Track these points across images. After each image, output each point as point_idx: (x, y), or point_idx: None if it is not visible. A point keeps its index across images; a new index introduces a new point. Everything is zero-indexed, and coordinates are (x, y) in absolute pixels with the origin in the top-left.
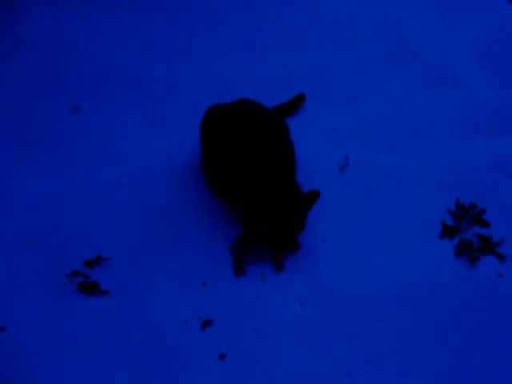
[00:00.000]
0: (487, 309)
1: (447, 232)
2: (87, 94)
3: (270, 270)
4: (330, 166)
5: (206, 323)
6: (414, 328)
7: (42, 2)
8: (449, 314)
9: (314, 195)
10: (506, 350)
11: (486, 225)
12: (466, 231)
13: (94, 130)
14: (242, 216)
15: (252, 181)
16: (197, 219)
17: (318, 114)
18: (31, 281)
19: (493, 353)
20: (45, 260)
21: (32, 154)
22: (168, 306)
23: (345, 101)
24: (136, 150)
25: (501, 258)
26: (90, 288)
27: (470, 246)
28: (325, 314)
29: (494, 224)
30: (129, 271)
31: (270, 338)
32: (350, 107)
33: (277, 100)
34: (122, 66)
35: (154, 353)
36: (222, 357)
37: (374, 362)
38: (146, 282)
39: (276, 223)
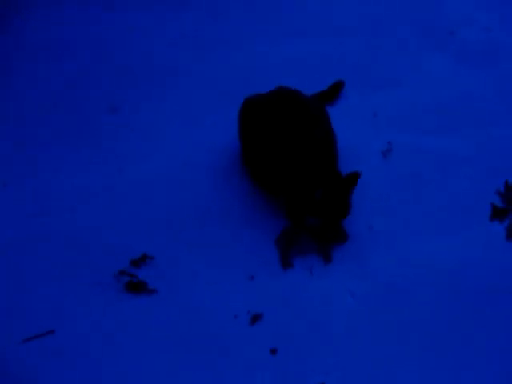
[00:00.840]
0: None
1: (497, 214)
2: (124, 91)
3: (318, 262)
4: (373, 152)
5: (256, 317)
6: (469, 316)
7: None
8: (504, 300)
9: (354, 177)
10: None
11: None
12: None
13: (133, 126)
14: (285, 208)
15: (293, 170)
16: (240, 213)
17: (357, 100)
18: (79, 282)
19: None
20: (91, 260)
21: (74, 152)
22: (216, 301)
23: (383, 85)
24: (175, 144)
25: None
26: (137, 287)
27: None
28: (376, 303)
29: None
30: (175, 269)
31: (321, 330)
32: (389, 91)
33: (315, 87)
34: (158, 60)
35: (206, 349)
36: (273, 351)
37: (427, 351)
38: (192, 279)
39: (319, 212)
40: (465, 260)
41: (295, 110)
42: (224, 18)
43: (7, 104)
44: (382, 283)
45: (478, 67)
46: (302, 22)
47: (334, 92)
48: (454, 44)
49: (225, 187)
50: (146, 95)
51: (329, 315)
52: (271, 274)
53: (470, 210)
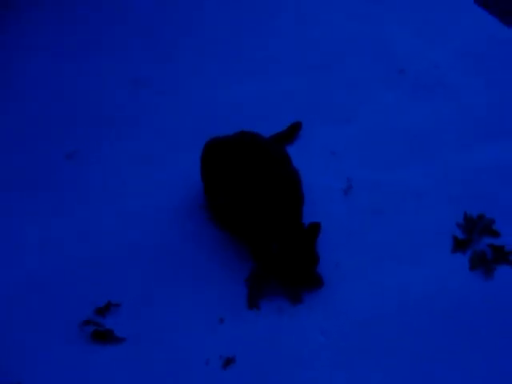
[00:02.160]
0: (510, 319)
1: (459, 245)
2: (81, 138)
3: (288, 303)
4: (334, 190)
5: (228, 362)
6: (438, 344)
7: (28, 46)
8: (469, 328)
9: (315, 228)
10: None
11: (496, 234)
12: (478, 243)
13: (92, 173)
14: (250, 250)
15: (255, 214)
16: (207, 254)
17: (314, 139)
18: (43, 332)
19: None
20: (55, 308)
21: (33, 198)
22: (186, 346)
23: (339, 121)
24: (136, 188)
25: None
26: (104, 336)
27: (484, 258)
28: (349, 340)
29: (505, 233)
30: (142, 314)
31: (296, 372)
32: (345, 127)
33: (274, 126)
34: (115, 107)
35: None
36: None
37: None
38: (160, 324)
39: (279, 264)
40: (431, 290)
41: (257, 153)
42: (177, 65)
43: None
44: (353, 319)
45: (428, 100)
46: (261, 61)
47: (292, 133)
48: (405, 79)
49: (190, 228)
50: (104, 139)
51: (301, 355)
52: (241, 316)
53: (433, 242)
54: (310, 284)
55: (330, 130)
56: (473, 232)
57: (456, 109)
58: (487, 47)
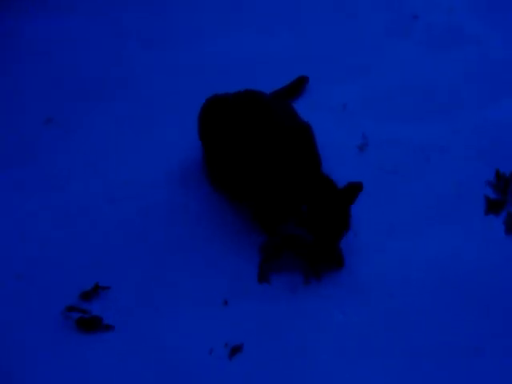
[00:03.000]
0: None
1: (492, 207)
2: (63, 103)
3: (301, 278)
4: (348, 147)
5: (235, 350)
6: (469, 320)
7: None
8: (504, 301)
9: (356, 189)
10: None
11: None
12: None
13: (77, 140)
14: (256, 218)
15: (268, 175)
16: (208, 227)
17: (323, 94)
18: (21, 319)
19: None
20: (34, 293)
21: (9, 172)
22: (186, 334)
23: (350, 75)
24: (127, 156)
25: None
26: (90, 324)
27: None
28: (371, 319)
29: None
30: (134, 299)
31: (312, 357)
32: (356, 81)
33: (277, 85)
34: (103, 68)
35: None
36: None
37: (432, 361)
38: (156, 309)
39: (307, 226)
40: (461, 259)
41: (262, 108)
42: (172, 16)
43: None
44: (375, 294)
45: (445, 50)
46: (262, 18)
47: (298, 87)
48: (419, 28)
49: (188, 200)
50: (89, 106)
51: (318, 338)
52: (248, 296)
53: (462, 203)
54: (331, 260)
55: (339, 84)
56: (507, 192)
57: (476, 59)
58: None
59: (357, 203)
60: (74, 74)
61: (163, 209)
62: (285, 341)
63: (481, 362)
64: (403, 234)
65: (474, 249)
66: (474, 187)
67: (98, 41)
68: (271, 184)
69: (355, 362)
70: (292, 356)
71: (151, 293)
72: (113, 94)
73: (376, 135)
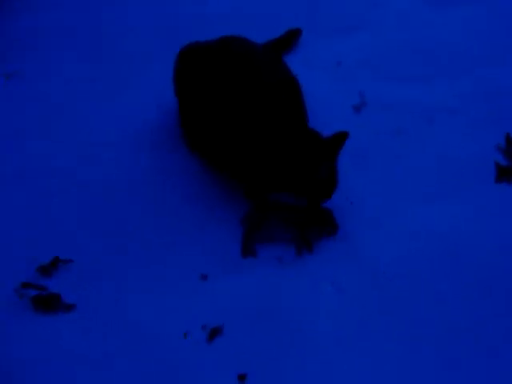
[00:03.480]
0: None
1: (503, 174)
2: (23, 56)
3: (290, 251)
4: (344, 107)
5: (214, 332)
6: (480, 300)
7: None
8: None
9: (341, 137)
10: None
11: None
12: None
13: (36, 97)
14: (242, 185)
15: (251, 129)
16: (184, 195)
17: (316, 49)
18: None
19: None
20: None
21: None
22: (158, 314)
23: (344, 30)
24: (95, 117)
25: None
26: (48, 303)
27: None
28: (368, 296)
29: None
30: (98, 274)
31: (303, 340)
32: (351, 36)
33: (267, 38)
34: (65, 20)
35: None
36: (241, 377)
37: (434, 349)
38: (123, 286)
39: (300, 189)
40: (470, 231)
41: (246, 58)
42: None
43: None
44: (371, 269)
45: (446, 6)
46: None
47: (290, 40)
48: None
49: (161, 164)
50: (49, 61)
51: (308, 318)
52: (230, 270)
53: (470, 170)
54: (321, 226)
55: (334, 38)
56: None
57: (485, 17)
58: None
59: (352, 169)
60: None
61: (132, 174)
62: (272, 322)
63: (481, 344)
64: (404, 205)
65: (484, 222)
66: (483, 153)
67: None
68: (255, 145)
69: (350, 345)
70: (280, 339)
71: (117, 267)
72: (82, 50)
73: (374, 95)
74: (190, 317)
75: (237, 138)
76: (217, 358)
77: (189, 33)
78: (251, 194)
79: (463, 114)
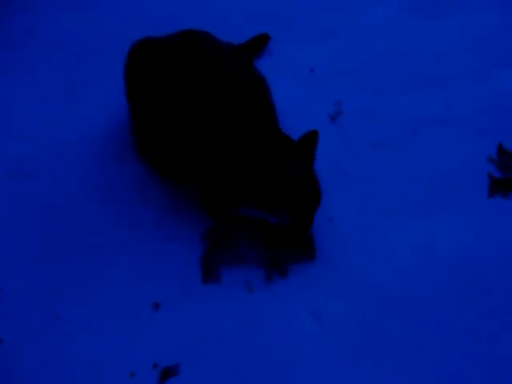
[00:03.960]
0: None
1: (497, 186)
2: None
3: (260, 275)
4: (318, 116)
5: (167, 373)
6: (478, 326)
7: None
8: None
9: (310, 137)
10: None
11: None
12: None
13: None
14: (202, 198)
15: (213, 140)
16: (134, 211)
17: (287, 56)
18: None
19: None
20: None
21: None
22: (99, 351)
23: (316, 37)
24: (33, 125)
25: None
26: None
27: None
28: (352, 328)
29: None
30: (30, 302)
31: (276, 379)
32: (325, 44)
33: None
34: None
35: None
36: None
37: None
38: (58, 316)
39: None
40: (464, 250)
41: (210, 52)
42: None
43: None
44: (357, 296)
45: (425, 17)
46: None
47: (257, 46)
48: None
49: (108, 178)
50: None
51: (282, 356)
52: (187, 298)
53: (459, 183)
54: (299, 248)
55: (305, 46)
56: None
57: (466, 28)
58: None
59: (330, 183)
60: None
61: (72, 189)
62: (237, 360)
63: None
64: (389, 222)
65: (476, 238)
66: (473, 165)
67: None
68: (218, 152)
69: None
70: (247, 382)
71: (53, 295)
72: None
73: (350, 105)
74: (137, 354)
75: (195, 142)
76: None
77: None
78: (213, 208)
79: (449, 125)
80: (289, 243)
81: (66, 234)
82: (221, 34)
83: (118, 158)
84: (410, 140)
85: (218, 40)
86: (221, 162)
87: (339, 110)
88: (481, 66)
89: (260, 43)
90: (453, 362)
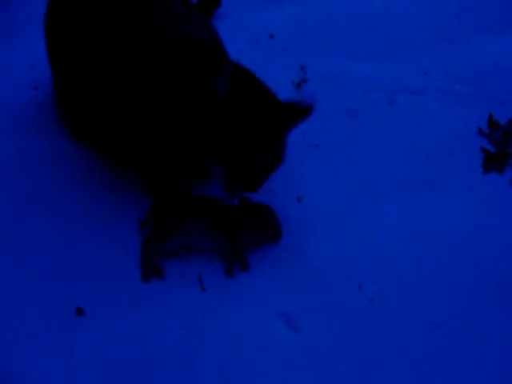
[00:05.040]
0: None
1: (491, 161)
2: None
3: (216, 268)
4: (281, 83)
5: None
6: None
7: None
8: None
9: (301, 112)
10: None
11: None
12: None
13: None
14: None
15: (151, 104)
16: (60, 193)
17: (242, 20)
18: None
19: None
20: None
21: None
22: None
23: (274, 2)
24: None
25: None
26: None
27: None
28: (333, 332)
29: None
30: None
31: None
32: (284, 7)
33: None
34: None
35: None
36: None
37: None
38: None
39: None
40: (457, 235)
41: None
42: None
43: None
44: (334, 292)
45: None
46: None
47: (209, 8)
48: None
49: (29, 153)
50: None
51: (247, 372)
52: (121, 300)
53: (447, 158)
54: (260, 229)
55: (260, 10)
56: (508, 142)
57: None
58: None
59: (298, 158)
60: None
61: None
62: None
63: None
64: (367, 202)
65: (475, 220)
66: (461, 138)
67: None
68: (158, 119)
69: None
70: None
71: None
72: None
73: (316, 70)
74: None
75: (130, 102)
76: None
77: None
78: (154, 185)
79: (429, 94)
80: (249, 226)
81: None
82: None
83: (41, 127)
84: (387, 109)
85: None
86: (163, 134)
87: (304, 76)
88: (462, 33)
89: (209, 6)
90: (457, 365)
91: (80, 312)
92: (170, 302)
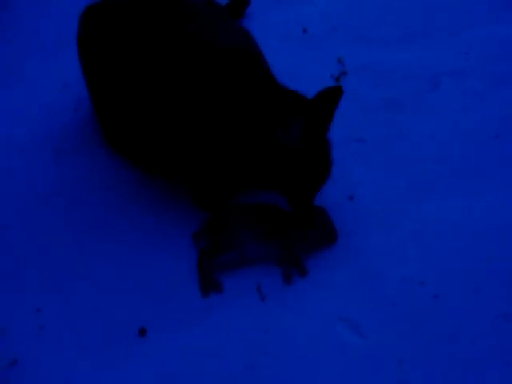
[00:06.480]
0: None
1: None
2: None
3: (274, 277)
4: (319, 79)
5: None
6: None
7: None
8: None
9: (332, 93)
10: None
11: None
12: None
13: None
14: (190, 188)
15: (199, 120)
16: (110, 214)
17: (272, 17)
18: None
19: None
20: None
21: None
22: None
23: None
24: None
25: None
26: None
27: None
28: (397, 332)
29: None
30: None
31: None
32: (314, 0)
33: None
34: None
35: None
36: None
37: None
38: (15, 360)
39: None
40: None
41: (183, 9)
42: None
43: None
44: (400, 292)
45: None
46: None
47: (237, 9)
48: None
49: (74, 176)
50: None
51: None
52: (180, 317)
53: (499, 146)
54: (315, 234)
55: (293, 4)
56: None
57: None
58: None
59: (349, 155)
60: None
61: (34, 188)
62: None
63: None
64: (420, 197)
65: None
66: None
67: None
68: (206, 136)
69: None
70: None
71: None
72: None
73: (354, 62)
74: None
75: (174, 122)
76: None
77: None
78: (203, 199)
79: (472, 76)
80: (303, 230)
81: (21, 246)
82: None
83: (84, 149)
84: (429, 95)
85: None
86: (205, 136)
87: (342, 68)
88: (495, 12)
89: (239, 6)
90: None
91: (142, 332)
92: (232, 315)
